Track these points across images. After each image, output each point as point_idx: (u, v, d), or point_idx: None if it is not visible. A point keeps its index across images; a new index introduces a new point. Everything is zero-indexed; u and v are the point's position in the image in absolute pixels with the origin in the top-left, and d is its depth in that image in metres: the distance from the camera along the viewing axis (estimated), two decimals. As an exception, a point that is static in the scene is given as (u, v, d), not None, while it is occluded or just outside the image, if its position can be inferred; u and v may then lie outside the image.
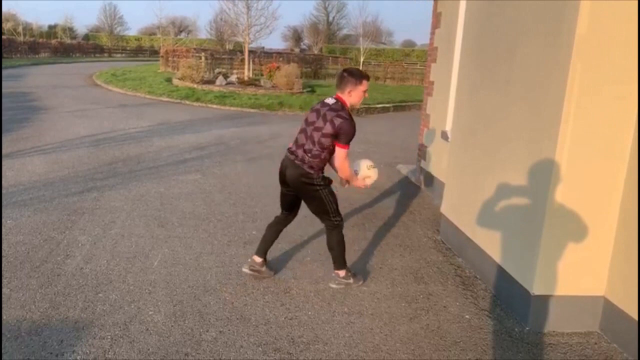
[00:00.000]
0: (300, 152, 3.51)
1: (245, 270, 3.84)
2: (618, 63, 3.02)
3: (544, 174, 3.23)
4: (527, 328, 3.39)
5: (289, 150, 3.62)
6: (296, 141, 3.59)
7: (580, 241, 3.25)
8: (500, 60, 3.90)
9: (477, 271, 4.20)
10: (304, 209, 3.80)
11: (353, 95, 3.49)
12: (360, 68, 28.54)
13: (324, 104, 3.53)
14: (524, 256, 3.45)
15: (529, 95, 3.47)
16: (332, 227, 3.68)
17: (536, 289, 3.33)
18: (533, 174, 3.37)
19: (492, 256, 3.88)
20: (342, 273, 3.80)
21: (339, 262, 3.78)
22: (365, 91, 3.53)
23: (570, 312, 3.37)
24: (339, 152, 3.45)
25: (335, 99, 3.52)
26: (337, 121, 3.37)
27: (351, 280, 3.82)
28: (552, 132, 3.16)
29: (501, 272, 3.74)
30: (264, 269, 3.87)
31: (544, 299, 3.34)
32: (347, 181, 3.67)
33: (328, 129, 3.39)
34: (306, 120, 3.57)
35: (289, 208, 3.81)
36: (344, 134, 3.39)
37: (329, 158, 3.54)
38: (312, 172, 3.47)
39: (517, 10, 3.68)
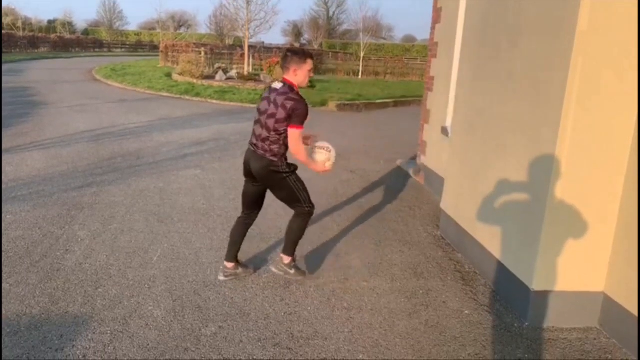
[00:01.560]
0: (259, 143, 3.47)
1: (221, 277, 3.76)
2: (619, 60, 3.01)
3: (545, 169, 3.22)
4: (526, 324, 3.40)
5: (250, 143, 3.58)
6: (254, 133, 3.54)
7: (580, 237, 3.25)
8: (501, 56, 3.89)
9: (476, 267, 4.20)
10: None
11: (299, 74, 3.45)
12: (361, 63, 28.57)
13: (272, 90, 3.48)
14: (523, 252, 3.45)
15: (530, 90, 3.46)
16: (302, 213, 3.61)
17: (536, 285, 3.33)
18: (533, 170, 3.37)
19: (492, 252, 3.88)
20: (286, 260, 3.74)
21: (290, 248, 3.72)
22: (310, 70, 3.48)
23: (570, 307, 3.37)
24: (293, 133, 3.37)
25: (283, 82, 3.47)
26: (289, 104, 3.33)
27: (292, 271, 3.75)
28: (552, 128, 3.15)
29: (501, 268, 3.74)
30: (239, 270, 3.81)
31: (544, 295, 3.34)
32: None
33: (281, 114, 3.35)
34: (259, 110, 3.52)
35: (252, 205, 3.75)
36: (297, 115, 3.33)
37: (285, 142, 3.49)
38: (275, 159, 3.43)
39: (518, 6, 3.66)
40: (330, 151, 3.64)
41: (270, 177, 3.50)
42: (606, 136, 3.12)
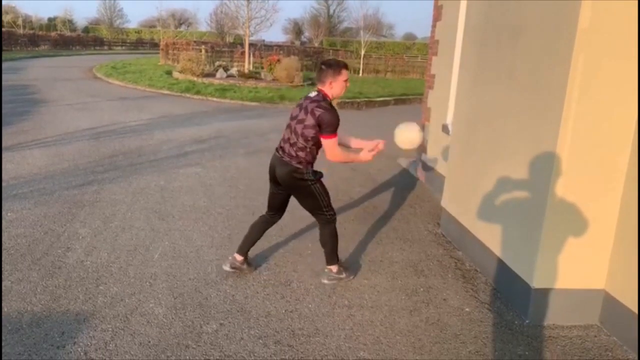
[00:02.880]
0: (287, 147, 3.47)
1: (226, 268, 3.80)
2: (620, 57, 3.01)
3: (545, 167, 3.23)
4: (527, 321, 3.40)
5: (277, 147, 3.59)
6: (283, 137, 3.56)
7: (581, 234, 3.25)
8: (501, 54, 3.89)
9: (477, 264, 4.21)
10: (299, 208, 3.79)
11: (334, 87, 3.44)
12: (361, 61, 28.52)
13: (306, 98, 3.49)
14: (524, 249, 3.45)
15: (531, 88, 3.46)
16: (326, 221, 3.63)
17: (536, 282, 3.33)
18: (534, 167, 3.37)
19: (493, 249, 3.88)
20: (334, 269, 3.77)
21: (332, 257, 3.74)
22: (346, 81, 3.48)
23: (571, 305, 3.38)
24: (326, 144, 3.38)
25: (317, 91, 3.48)
26: (318, 112, 3.33)
27: (343, 275, 3.80)
28: (553, 126, 3.15)
29: (501, 266, 3.75)
30: (244, 266, 3.84)
31: (544, 292, 3.35)
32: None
33: (310, 120, 3.35)
34: (291, 115, 3.54)
35: (277, 208, 3.76)
36: (326, 125, 3.33)
37: (317, 151, 3.50)
38: (301, 167, 3.42)
39: (518, 3, 3.65)
40: (420, 131, 3.67)
41: (294, 183, 3.49)
42: (607, 134, 3.12)
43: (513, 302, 3.61)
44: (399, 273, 4.05)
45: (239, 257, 3.81)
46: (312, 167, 3.49)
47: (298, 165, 3.43)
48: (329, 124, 3.33)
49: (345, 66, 3.51)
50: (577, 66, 3.01)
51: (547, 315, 3.39)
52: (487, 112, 4.12)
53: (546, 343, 3.18)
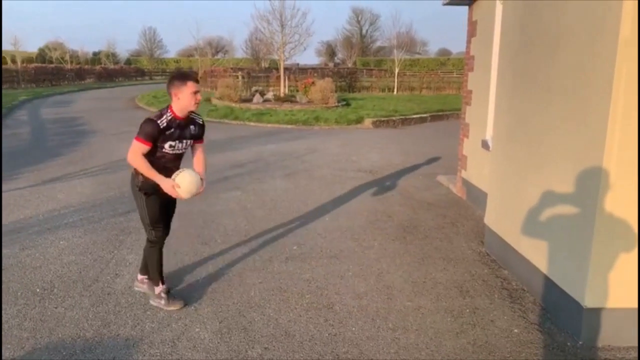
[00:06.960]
0: None
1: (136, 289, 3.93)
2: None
3: (592, 180, 3.13)
4: (580, 342, 3.26)
5: None
6: None
7: (633, 250, 3.12)
8: (540, 66, 3.83)
9: (524, 283, 4.09)
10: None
11: (181, 98, 3.39)
12: (395, 79, 28.53)
13: None
14: (573, 267, 3.33)
15: (572, 101, 3.38)
16: (147, 238, 3.66)
17: (588, 302, 3.20)
18: (580, 181, 3.27)
19: (540, 268, 3.76)
20: (140, 277, 3.75)
21: (150, 272, 3.74)
22: (194, 92, 3.37)
23: (626, 325, 3.22)
24: (132, 144, 3.38)
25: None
26: None
27: (162, 302, 3.66)
28: (598, 138, 3.06)
29: (550, 284, 3.63)
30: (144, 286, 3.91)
31: (597, 312, 3.21)
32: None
33: None
34: None
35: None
36: (140, 129, 3.34)
37: (153, 160, 3.47)
38: (134, 172, 3.56)
39: (555, 15, 3.60)
40: (181, 172, 3.61)
41: (130, 186, 3.65)
42: (657, 145, 3.00)
43: (564, 322, 3.47)
44: (443, 294, 3.97)
45: (140, 276, 3.90)
46: (147, 178, 3.47)
47: (133, 171, 3.57)
48: (141, 128, 3.35)
49: (193, 78, 3.44)
50: (620, 75, 2.93)
51: (601, 336, 3.24)
52: (527, 126, 4.04)
53: (602, 365, 3.04)
